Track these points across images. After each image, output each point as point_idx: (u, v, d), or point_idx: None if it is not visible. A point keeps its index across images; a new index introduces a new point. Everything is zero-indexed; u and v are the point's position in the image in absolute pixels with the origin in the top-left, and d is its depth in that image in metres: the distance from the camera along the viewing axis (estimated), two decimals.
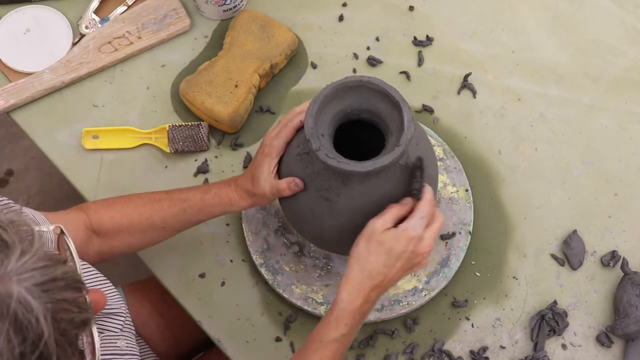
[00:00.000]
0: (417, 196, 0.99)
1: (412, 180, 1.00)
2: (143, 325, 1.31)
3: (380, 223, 0.96)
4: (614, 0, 1.40)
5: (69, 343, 0.71)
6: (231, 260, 1.24)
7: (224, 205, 1.10)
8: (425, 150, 1.04)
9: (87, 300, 0.74)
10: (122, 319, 1.02)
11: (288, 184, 1.03)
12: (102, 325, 0.98)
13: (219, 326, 1.20)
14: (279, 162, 1.06)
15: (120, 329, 1.01)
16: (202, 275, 1.23)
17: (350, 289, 0.97)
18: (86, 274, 1.00)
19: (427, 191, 0.98)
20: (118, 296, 1.03)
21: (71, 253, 0.80)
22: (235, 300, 1.22)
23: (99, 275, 1.02)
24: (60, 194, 2.06)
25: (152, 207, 1.11)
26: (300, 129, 1.05)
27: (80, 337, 0.75)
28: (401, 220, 0.98)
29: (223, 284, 1.23)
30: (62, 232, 0.81)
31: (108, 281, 1.03)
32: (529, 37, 1.38)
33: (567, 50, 1.37)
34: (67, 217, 1.08)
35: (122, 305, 1.03)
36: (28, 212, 0.95)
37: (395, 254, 0.96)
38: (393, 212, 0.98)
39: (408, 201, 0.99)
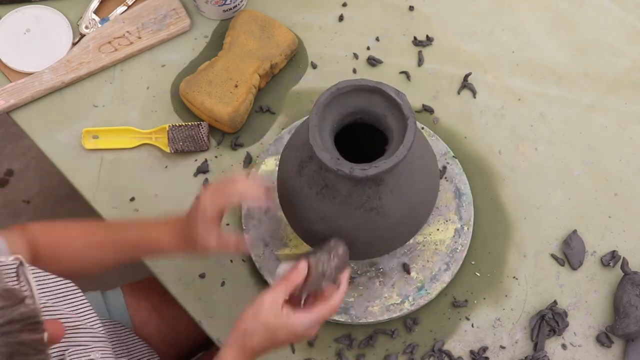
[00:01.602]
0: (329, 280, 0.99)
1: (328, 258, 1.00)
2: (143, 325, 1.31)
3: (271, 298, 0.96)
4: (614, 0, 1.40)
5: None
6: (231, 260, 1.24)
7: (159, 253, 1.07)
8: (423, 157, 1.04)
9: (45, 339, 0.73)
10: (91, 330, 0.99)
11: (235, 244, 1.02)
12: (70, 341, 0.96)
13: (219, 326, 1.20)
14: (278, 173, 1.06)
15: (92, 340, 0.99)
16: (202, 275, 1.23)
17: (234, 356, 0.97)
18: (49, 286, 0.97)
19: (337, 296, 0.98)
20: (85, 304, 1.00)
21: (29, 285, 0.78)
22: (235, 300, 1.22)
23: (64, 283, 0.99)
24: (60, 194, 2.06)
25: (89, 240, 1.08)
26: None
27: None
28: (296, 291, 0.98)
29: (223, 284, 1.23)
30: (21, 263, 0.79)
31: (75, 288, 1.00)
32: (529, 37, 1.38)
33: (567, 50, 1.37)
34: (12, 235, 1.05)
35: (90, 314, 1.01)
36: None
37: (278, 340, 0.97)
38: (285, 287, 0.97)
39: (302, 267, 0.98)
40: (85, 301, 1.01)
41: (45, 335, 0.73)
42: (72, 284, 1.01)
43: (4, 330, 0.68)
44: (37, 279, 0.97)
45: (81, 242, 1.08)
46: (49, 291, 0.98)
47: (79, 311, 1.00)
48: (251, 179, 1.02)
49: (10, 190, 2.09)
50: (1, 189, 2.09)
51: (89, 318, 1.01)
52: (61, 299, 0.99)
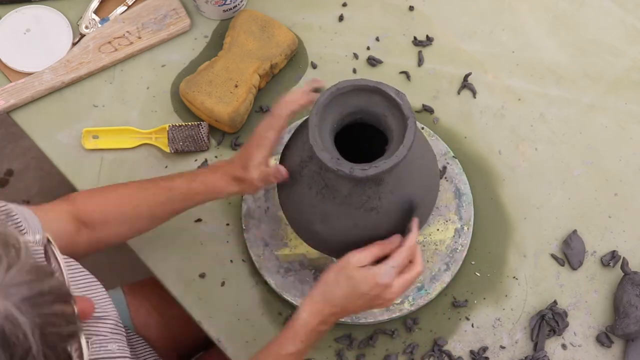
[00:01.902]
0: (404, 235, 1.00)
1: (405, 219, 1.01)
2: (143, 325, 1.31)
3: (357, 258, 0.98)
4: (614, 0, 1.40)
5: (57, 356, 0.71)
6: (231, 260, 1.24)
7: (210, 193, 1.10)
8: (423, 157, 1.04)
9: (75, 311, 0.73)
10: (112, 322, 1.00)
11: (275, 172, 1.03)
12: (91, 330, 0.97)
13: (219, 326, 1.20)
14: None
15: (111, 332, 1.00)
16: (202, 275, 1.23)
17: (311, 311, 0.99)
18: (75, 276, 0.99)
19: (410, 238, 0.99)
20: (107, 298, 1.02)
21: (58, 262, 0.79)
22: (235, 300, 1.22)
23: (89, 276, 1.01)
24: (60, 194, 2.05)
25: (138, 196, 1.11)
26: (298, 129, 1.05)
27: (68, 349, 0.74)
28: (383, 258, 0.99)
29: (223, 284, 1.23)
30: (48, 241, 0.80)
31: (98, 283, 1.01)
32: (529, 37, 1.38)
33: (567, 50, 1.37)
34: (53, 210, 1.07)
35: (111, 308, 1.02)
36: (13, 208, 0.93)
37: (359, 293, 0.98)
38: (373, 251, 0.99)
39: (395, 240, 1.00)
40: (106, 295, 1.03)
41: (76, 308, 0.74)
42: (95, 279, 1.02)
43: (34, 302, 0.68)
44: (67, 268, 0.97)
45: (130, 201, 1.10)
46: (75, 281, 0.98)
47: (101, 303, 1.01)
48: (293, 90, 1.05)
49: (10, 190, 2.09)
50: (1, 189, 2.09)
51: (110, 310, 1.02)
52: (86, 289, 1.00)
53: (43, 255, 0.81)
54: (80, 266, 1.01)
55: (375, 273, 0.97)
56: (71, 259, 0.99)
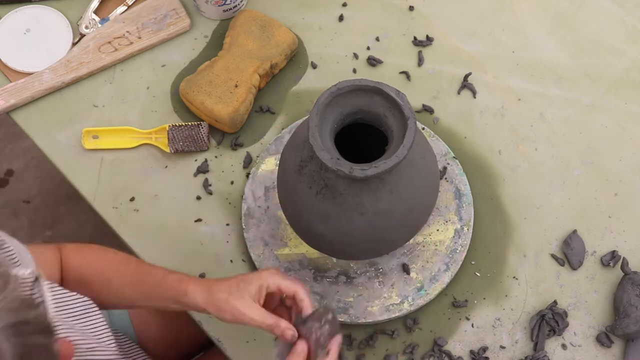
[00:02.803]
0: (322, 348, 0.97)
1: (319, 325, 0.98)
2: (143, 325, 1.31)
3: None
4: (614, 0, 1.40)
5: None
6: (231, 260, 1.24)
7: (179, 294, 1.02)
8: (423, 157, 1.04)
9: (56, 347, 0.73)
10: (106, 351, 0.99)
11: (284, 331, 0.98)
12: None
13: (219, 326, 1.20)
14: (278, 172, 1.05)
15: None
16: (202, 276, 1.23)
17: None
18: (69, 304, 0.98)
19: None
20: (103, 325, 1.00)
21: (44, 298, 0.78)
22: None
23: (87, 302, 0.99)
24: (60, 194, 2.06)
25: (117, 269, 1.08)
26: (303, 139, 1.03)
27: None
28: None
29: None
30: (37, 278, 0.80)
31: (95, 309, 1.00)
32: (529, 37, 1.38)
33: (567, 50, 1.37)
34: (44, 253, 1.06)
35: (107, 336, 1.01)
36: (8, 240, 0.92)
37: None
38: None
39: (301, 350, 0.96)
40: (102, 321, 1.01)
41: (57, 345, 0.73)
42: (92, 303, 1.01)
43: (17, 330, 0.68)
44: (60, 296, 0.97)
45: (110, 270, 1.08)
46: (70, 309, 0.98)
47: (96, 331, 1.00)
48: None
49: (10, 190, 2.09)
50: (1, 189, 2.09)
51: (104, 339, 1.01)
52: (80, 317, 0.99)
53: (30, 289, 0.81)
54: (77, 294, 0.99)
55: None
56: (65, 290, 0.98)
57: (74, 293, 0.99)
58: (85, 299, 1.00)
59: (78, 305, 0.99)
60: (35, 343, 0.70)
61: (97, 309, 1.01)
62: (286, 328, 0.97)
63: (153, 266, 1.09)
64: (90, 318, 1.00)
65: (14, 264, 0.90)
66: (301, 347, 0.96)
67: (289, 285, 1.00)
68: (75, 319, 0.98)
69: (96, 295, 1.05)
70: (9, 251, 0.91)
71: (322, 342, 0.97)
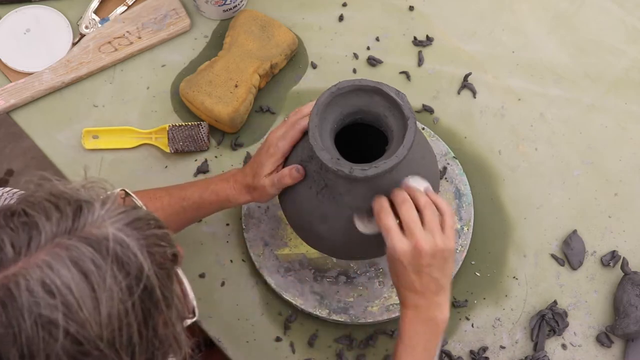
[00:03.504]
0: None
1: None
2: None
3: (400, 246, 0.93)
4: (614, 0, 1.40)
5: (167, 275, 0.76)
6: (231, 260, 1.24)
7: (222, 202, 1.10)
8: (423, 157, 1.04)
9: (170, 234, 0.78)
10: None
11: (290, 171, 1.02)
12: None
13: (219, 326, 1.20)
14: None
15: None
16: (202, 275, 1.23)
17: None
18: None
19: (420, 197, 0.95)
20: None
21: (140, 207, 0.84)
22: (235, 300, 1.22)
23: None
24: None
25: (153, 205, 1.11)
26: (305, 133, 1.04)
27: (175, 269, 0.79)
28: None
29: (223, 284, 1.23)
30: (127, 194, 0.86)
31: None
32: (529, 37, 1.38)
33: (567, 50, 1.37)
34: None
35: None
36: None
37: (426, 271, 0.94)
38: (393, 225, 0.94)
39: (384, 204, 0.96)
40: None
41: (170, 233, 0.79)
42: None
43: (136, 226, 0.74)
44: None
45: (147, 207, 1.10)
46: None
47: None
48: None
49: (12, 188, 2.08)
50: (1, 189, 2.09)
51: None
52: None
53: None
54: None
55: (420, 247, 0.93)
56: None
57: None
58: None
59: None
60: (154, 234, 0.75)
61: None
62: (292, 169, 1.02)
63: (182, 187, 1.12)
64: None
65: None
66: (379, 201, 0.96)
67: (291, 134, 1.04)
68: None
69: None
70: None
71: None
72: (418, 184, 0.97)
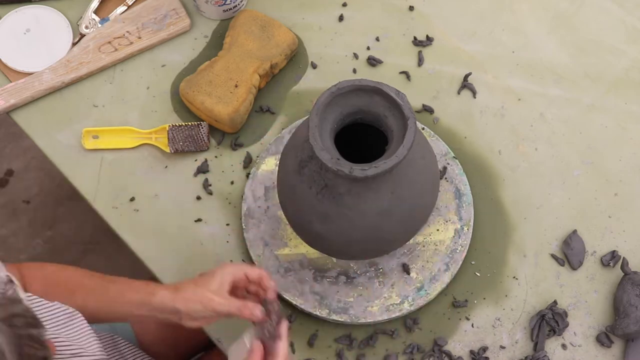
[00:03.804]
0: (272, 338, 1.00)
1: (269, 320, 1.00)
2: (142, 325, 1.31)
3: None
4: (614, 0, 1.40)
5: None
6: (231, 261, 1.24)
7: (146, 294, 1.02)
8: (423, 157, 1.04)
9: (46, 339, 0.75)
10: (91, 357, 0.99)
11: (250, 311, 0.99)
12: None
13: (219, 326, 1.20)
14: (278, 172, 1.06)
15: None
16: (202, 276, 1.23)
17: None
18: (53, 312, 0.98)
19: (282, 344, 0.98)
20: (87, 332, 1.00)
21: (21, 297, 0.81)
22: None
23: (69, 311, 1.00)
24: (60, 194, 2.06)
25: (79, 281, 1.08)
26: (301, 140, 1.03)
27: None
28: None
29: None
30: (10, 280, 0.83)
31: (79, 316, 1.00)
32: (529, 37, 1.38)
33: (567, 50, 1.37)
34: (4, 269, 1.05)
35: (90, 343, 1.01)
36: None
37: None
38: None
39: (257, 349, 0.97)
40: (87, 328, 1.01)
41: (45, 333, 0.75)
42: (76, 312, 1.00)
43: (10, 323, 0.71)
44: (41, 304, 0.97)
45: (70, 285, 1.08)
46: (53, 317, 0.98)
47: (80, 337, 1.00)
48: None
49: (10, 190, 2.09)
50: (1, 189, 2.09)
51: (90, 344, 1.01)
52: (63, 325, 0.99)
53: (9, 289, 0.84)
54: (58, 303, 0.99)
55: None
56: (44, 300, 0.98)
57: (55, 302, 0.99)
58: (69, 308, 1.00)
59: (62, 312, 0.99)
60: (28, 334, 0.72)
61: (80, 316, 1.01)
62: (254, 307, 0.99)
63: (117, 277, 1.08)
64: (75, 326, 1.00)
65: None
66: (257, 345, 0.99)
67: (253, 270, 1.03)
68: (57, 327, 0.98)
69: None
70: None
71: (272, 334, 1.00)
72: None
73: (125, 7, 1.39)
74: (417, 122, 1.04)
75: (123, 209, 1.27)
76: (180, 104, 1.33)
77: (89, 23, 1.38)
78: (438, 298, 1.21)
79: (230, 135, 1.31)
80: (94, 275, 1.09)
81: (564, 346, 1.19)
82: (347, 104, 0.99)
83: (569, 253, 1.23)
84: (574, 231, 1.25)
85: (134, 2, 1.39)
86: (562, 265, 1.23)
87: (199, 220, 1.26)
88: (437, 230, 1.23)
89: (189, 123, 1.30)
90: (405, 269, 1.21)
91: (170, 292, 1.01)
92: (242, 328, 1.20)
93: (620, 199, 1.27)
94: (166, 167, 1.30)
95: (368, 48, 1.37)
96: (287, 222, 1.14)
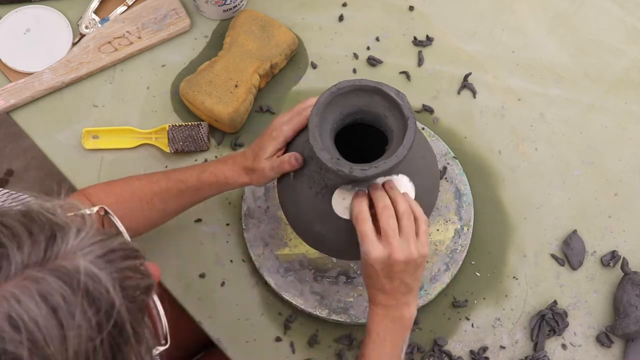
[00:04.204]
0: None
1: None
2: None
3: (374, 253, 0.95)
4: (614, 0, 1.40)
5: (139, 309, 0.74)
6: (231, 260, 1.25)
7: (221, 184, 1.10)
8: (423, 157, 1.04)
9: (146, 268, 0.76)
10: None
11: (289, 158, 1.02)
12: None
13: (219, 326, 1.20)
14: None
15: None
16: (202, 275, 1.23)
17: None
18: None
19: (400, 202, 0.96)
20: None
21: (118, 227, 0.82)
22: (235, 300, 1.22)
23: None
24: (60, 194, 2.06)
25: (152, 190, 1.11)
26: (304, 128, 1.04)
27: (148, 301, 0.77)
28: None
29: (223, 284, 1.23)
30: (105, 212, 0.83)
31: None
32: (529, 37, 1.38)
33: (567, 50, 1.37)
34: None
35: None
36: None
37: (398, 277, 0.96)
38: (369, 232, 0.95)
39: (362, 208, 0.97)
40: None
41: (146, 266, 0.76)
42: None
43: (109, 258, 0.71)
44: None
45: (144, 195, 1.11)
46: None
47: None
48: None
49: (10, 190, 2.08)
50: (1, 189, 2.09)
51: None
52: None
53: (100, 226, 0.84)
54: None
55: (394, 257, 0.94)
56: None
57: None
58: None
59: None
60: (127, 266, 0.73)
61: None
62: (292, 157, 1.01)
63: (181, 170, 1.12)
64: None
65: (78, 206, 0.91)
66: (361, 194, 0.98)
67: (296, 119, 1.05)
68: None
69: (139, 222, 1.11)
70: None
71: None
72: (401, 185, 0.99)
73: (125, 7, 1.39)
74: (417, 122, 1.04)
75: None
76: (180, 104, 1.33)
77: (89, 23, 1.38)
78: (438, 298, 1.21)
79: (230, 135, 1.31)
80: (159, 180, 1.12)
81: (564, 346, 1.19)
82: (347, 104, 0.99)
83: (569, 253, 1.23)
84: (574, 231, 1.25)
85: (134, 2, 1.39)
86: (562, 265, 1.23)
87: (198, 220, 1.26)
88: (437, 230, 1.23)
89: (189, 123, 1.30)
90: None
91: (240, 173, 1.08)
92: (242, 328, 1.20)
93: (620, 199, 1.27)
94: (166, 167, 1.30)
95: (368, 48, 1.37)
96: (287, 222, 1.14)
